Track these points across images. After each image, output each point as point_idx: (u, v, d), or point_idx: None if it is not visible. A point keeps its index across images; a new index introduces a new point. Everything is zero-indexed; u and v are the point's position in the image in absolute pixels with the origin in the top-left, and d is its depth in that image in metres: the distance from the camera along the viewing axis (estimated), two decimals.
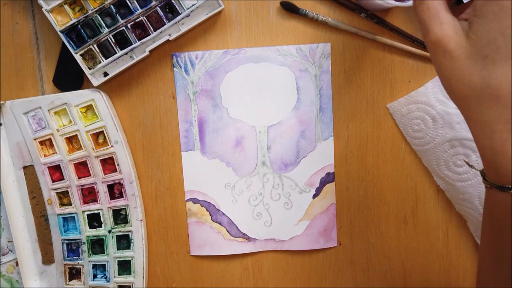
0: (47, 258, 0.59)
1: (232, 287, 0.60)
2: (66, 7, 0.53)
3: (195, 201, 0.59)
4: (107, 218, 0.58)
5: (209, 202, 0.59)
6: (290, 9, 0.56)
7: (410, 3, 0.48)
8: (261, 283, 0.60)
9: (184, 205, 0.59)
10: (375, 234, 0.60)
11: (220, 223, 0.59)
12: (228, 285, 0.60)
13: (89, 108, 0.56)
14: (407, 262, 0.60)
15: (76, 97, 0.56)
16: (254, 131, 0.58)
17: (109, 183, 0.57)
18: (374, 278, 0.60)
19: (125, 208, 0.58)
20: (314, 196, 0.59)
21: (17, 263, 0.59)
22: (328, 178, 0.59)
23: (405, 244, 0.60)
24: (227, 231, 0.59)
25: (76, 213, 0.58)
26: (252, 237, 0.59)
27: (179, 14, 0.54)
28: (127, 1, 0.53)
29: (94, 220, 0.58)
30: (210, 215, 0.59)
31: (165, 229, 0.60)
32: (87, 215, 0.58)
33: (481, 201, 0.56)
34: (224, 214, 0.59)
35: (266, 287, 0.60)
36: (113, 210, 0.58)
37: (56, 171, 0.58)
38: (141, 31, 0.55)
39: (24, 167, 0.58)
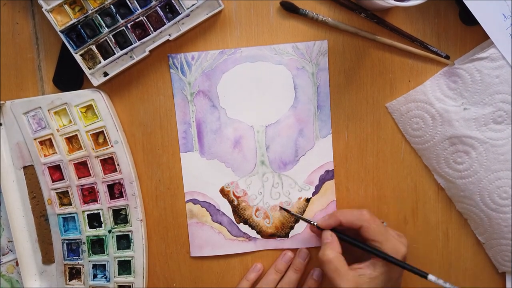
0: (47, 258, 0.59)
1: (232, 287, 0.60)
2: (66, 7, 0.54)
3: (195, 202, 0.59)
4: (107, 218, 0.58)
5: (209, 203, 0.59)
6: (290, 9, 0.56)
7: (410, 3, 0.48)
8: None
9: (184, 205, 0.59)
10: None
11: (220, 223, 0.59)
12: (228, 285, 0.60)
13: (89, 108, 0.56)
14: (407, 262, 0.60)
15: (76, 97, 0.56)
16: (252, 131, 0.59)
17: (109, 183, 0.57)
18: None
19: (125, 208, 0.58)
20: (314, 194, 0.59)
21: (17, 263, 0.59)
22: (327, 176, 0.59)
23: None
24: (228, 231, 0.59)
25: (76, 213, 0.58)
26: (253, 236, 0.59)
27: (179, 14, 0.54)
28: (127, 1, 0.53)
29: (94, 220, 0.58)
30: (211, 215, 0.59)
31: (165, 229, 0.60)
32: (87, 215, 0.58)
33: (482, 197, 0.56)
34: (224, 214, 0.59)
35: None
36: (113, 210, 0.58)
37: (56, 171, 0.58)
38: (141, 31, 0.55)
39: (24, 167, 0.58)
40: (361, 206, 0.59)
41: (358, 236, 0.53)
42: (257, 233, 0.60)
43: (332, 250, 0.52)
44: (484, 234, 0.58)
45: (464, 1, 0.53)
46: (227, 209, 0.59)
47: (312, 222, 0.56)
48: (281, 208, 0.59)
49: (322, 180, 0.59)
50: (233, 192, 0.59)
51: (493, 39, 0.53)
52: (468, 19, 0.54)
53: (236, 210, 0.59)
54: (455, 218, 0.59)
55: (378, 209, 0.59)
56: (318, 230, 0.55)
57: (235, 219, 0.59)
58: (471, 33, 0.56)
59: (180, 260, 0.60)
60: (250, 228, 0.60)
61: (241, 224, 0.59)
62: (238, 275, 0.60)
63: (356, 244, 0.52)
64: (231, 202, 0.59)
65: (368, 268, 0.51)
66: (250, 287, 0.59)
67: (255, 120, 0.58)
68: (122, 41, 0.55)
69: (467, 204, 0.57)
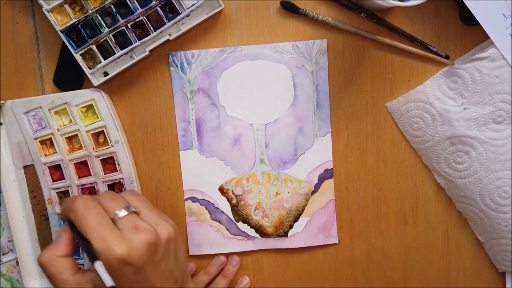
0: None
1: (232, 287, 0.60)
2: (66, 6, 0.54)
3: (194, 200, 0.59)
4: None
5: (208, 201, 0.59)
6: (290, 9, 0.56)
7: (410, 3, 0.48)
8: (261, 282, 0.60)
9: (184, 204, 0.59)
10: (375, 234, 0.60)
11: (219, 222, 0.59)
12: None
13: (90, 107, 0.57)
14: (407, 262, 0.60)
15: (77, 97, 0.56)
16: (251, 129, 0.59)
17: (110, 183, 0.57)
18: (374, 278, 0.60)
19: None
20: (313, 192, 0.59)
21: (17, 263, 0.59)
22: (326, 175, 0.59)
23: (405, 244, 0.60)
24: (227, 229, 0.59)
25: None
26: (252, 235, 0.59)
27: (179, 13, 0.54)
28: (127, 1, 0.53)
29: None
30: (209, 213, 0.59)
31: None
32: None
33: (481, 197, 0.56)
34: (223, 212, 0.59)
35: (266, 287, 0.60)
36: None
37: (56, 170, 0.58)
38: (141, 30, 0.55)
39: (25, 167, 0.58)
40: (361, 206, 0.59)
41: None
42: (256, 231, 0.60)
43: (48, 251, 0.41)
44: (484, 234, 0.58)
45: (464, 1, 0.53)
46: (226, 207, 0.60)
47: None
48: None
49: (321, 179, 0.59)
50: (232, 191, 0.59)
51: (493, 39, 0.53)
52: (468, 19, 0.54)
53: (235, 208, 0.60)
54: (455, 218, 0.59)
55: (378, 209, 0.59)
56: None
57: (234, 217, 0.60)
58: (471, 33, 0.56)
59: None
60: (249, 226, 0.60)
61: (240, 222, 0.60)
62: (238, 275, 0.60)
63: (76, 240, 0.42)
64: (230, 200, 0.59)
65: (89, 274, 0.41)
66: None
67: (254, 118, 0.58)
68: (122, 41, 0.55)
69: (467, 204, 0.57)
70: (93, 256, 0.37)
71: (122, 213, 0.41)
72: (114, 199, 0.43)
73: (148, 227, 0.40)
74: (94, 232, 0.38)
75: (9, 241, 0.60)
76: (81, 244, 0.41)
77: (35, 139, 0.57)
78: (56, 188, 0.58)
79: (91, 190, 0.58)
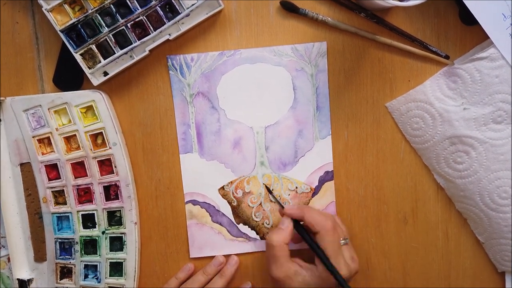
0: (39, 256, 0.59)
1: (232, 287, 0.60)
2: (66, 6, 0.54)
3: (195, 203, 0.59)
4: (102, 219, 0.58)
5: (208, 203, 0.59)
6: (290, 9, 0.56)
7: (410, 3, 0.48)
8: (261, 283, 0.60)
9: (184, 204, 0.59)
10: (375, 233, 0.60)
11: (220, 224, 0.59)
12: (228, 284, 0.60)
13: (89, 108, 0.56)
14: (407, 262, 0.60)
15: (77, 97, 0.56)
16: (252, 132, 0.58)
17: (105, 185, 0.57)
18: (374, 278, 0.60)
19: (120, 210, 0.57)
20: (314, 195, 0.59)
21: (9, 259, 0.59)
22: (327, 177, 0.59)
23: (405, 244, 0.60)
24: (228, 231, 0.59)
25: (70, 212, 0.58)
26: (253, 237, 0.59)
27: (179, 13, 0.54)
28: (127, 1, 0.53)
29: (88, 220, 0.58)
30: (210, 216, 0.59)
31: (165, 229, 0.60)
32: (82, 215, 0.58)
33: (481, 197, 0.56)
34: (224, 214, 0.59)
35: (266, 287, 0.60)
36: (107, 212, 0.58)
37: (52, 169, 0.58)
38: (141, 30, 0.55)
39: (21, 164, 0.58)
40: (361, 206, 0.59)
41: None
42: (257, 233, 0.59)
43: (279, 236, 0.52)
44: (483, 234, 0.58)
45: (464, 1, 0.53)
46: (226, 210, 0.59)
47: (283, 206, 0.57)
48: (265, 186, 0.59)
49: (322, 181, 0.59)
50: (233, 193, 0.59)
51: (493, 39, 0.53)
52: (468, 19, 0.55)
53: (235, 210, 0.59)
54: (454, 218, 0.59)
55: (378, 209, 0.59)
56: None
57: (235, 219, 0.59)
58: (471, 33, 0.56)
59: (180, 260, 0.60)
60: (249, 228, 0.59)
61: (241, 224, 0.59)
62: (238, 275, 0.60)
63: (308, 243, 0.52)
64: (230, 203, 0.59)
65: (306, 270, 0.51)
66: (178, 285, 0.59)
67: (254, 121, 0.58)
68: (122, 41, 0.55)
69: (466, 203, 0.57)
70: (329, 262, 0.50)
71: (343, 242, 0.53)
72: (340, 226, 0.55)
73: (357, 260, 0.53)
74: (333, 254, 0.50)
75: (1, 237, 0.59)
76: (308, 243, 0.52)
77: (33, 137, 0.57)
78: (51, 187, 0.58)
79: (86, 191, 0.58)
